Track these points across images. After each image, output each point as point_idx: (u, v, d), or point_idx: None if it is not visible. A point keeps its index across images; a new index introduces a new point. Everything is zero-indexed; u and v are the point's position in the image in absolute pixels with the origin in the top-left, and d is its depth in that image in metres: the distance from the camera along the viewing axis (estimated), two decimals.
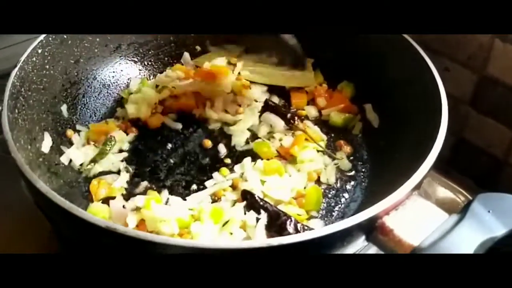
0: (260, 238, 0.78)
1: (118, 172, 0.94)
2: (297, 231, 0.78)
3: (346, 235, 0.65)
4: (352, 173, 0.95)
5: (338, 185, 0.93)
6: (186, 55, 1.18)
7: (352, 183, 0.93)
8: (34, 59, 0.91)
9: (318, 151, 0.97)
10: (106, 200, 0.87)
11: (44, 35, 0.93)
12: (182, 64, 1.17)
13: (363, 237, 0.68)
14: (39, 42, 0.92)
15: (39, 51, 0.92)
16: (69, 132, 0.97)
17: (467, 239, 0.63)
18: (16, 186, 0.96)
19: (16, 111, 0.83)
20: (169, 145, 1.00)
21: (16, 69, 0.86)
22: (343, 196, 0.91)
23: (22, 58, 0.88)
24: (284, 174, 0.91)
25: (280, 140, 0.99)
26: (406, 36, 0.96)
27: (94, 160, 0.94)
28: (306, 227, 0.79)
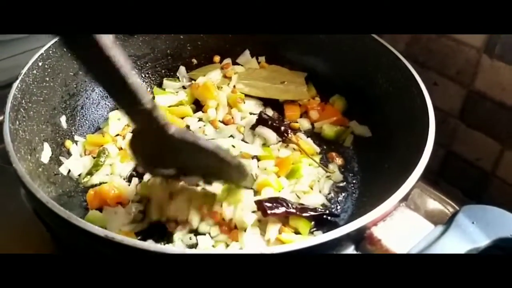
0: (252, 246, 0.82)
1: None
2: None
3: (335, 245, 0.67)
4: (343, 184, 0.98)
5: (330, 196, 0.95)
6: (182, 68, 1.21)
7: (343, 194, 0.96)
8: (34, 71, 0.93)
9: (309, 164, 0.99)
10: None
11: (44, 49, 0.95)
12: (178, 77, 1.20)
13: (353, 247, 0.71)
14: (39, 55, 0.94)
15: (40, 63, 0.94)
16: (68, 143, 0.99)
17: (451, 249, 0.65)
18: (16, 195, 0.99)
19: (17, 122, 0.85)
20: None
21: (18, 81, 0.88)
22: (335, 207, 0.93)
23: (23, 71, 0.90)
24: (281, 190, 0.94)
25: (279, 150, 1.02)
26: (395, 51, 0.99)
27: (90, 173, 0.96)
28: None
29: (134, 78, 0.68)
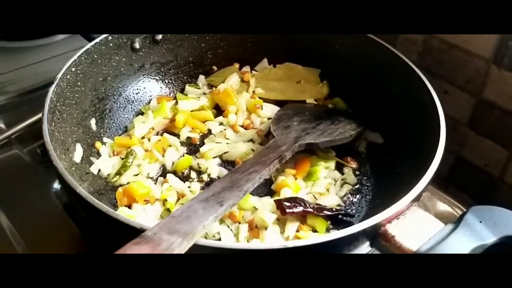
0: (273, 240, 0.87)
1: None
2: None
3: (352, 240, 0.72)
4: (358, 186, 1.02)
5: (345, 197, 1.00)
6: (201, 77, 1.27)
7: (358, 196, 1.01)
8: (68, 76, 0.99)
9: (326, 167, 1.04)
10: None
11: (77, 55, 1.02)
12: (198, 85, 1.26)
13: (368, 243, 0.76)
14: (73, 61, 1.00)
15: (73, 69, 1.00)
16: (97, 144, 1.05)
17: (460, 245, 0.70)
18: (46, 194, 1.04)
19: (53, 124, 0.91)
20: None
21: (53, 85, 0.94)
22: (349, 207, 0.98)
23: (59, 76, 0.96)
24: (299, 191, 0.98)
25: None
26: (408, 61, 1.03)
27: (119, 173, 1.01)
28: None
29: None
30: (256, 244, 0.85)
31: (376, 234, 0.74)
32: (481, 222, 0.73)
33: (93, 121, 1.06)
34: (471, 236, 0.71)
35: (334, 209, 0.94)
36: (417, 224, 0.75)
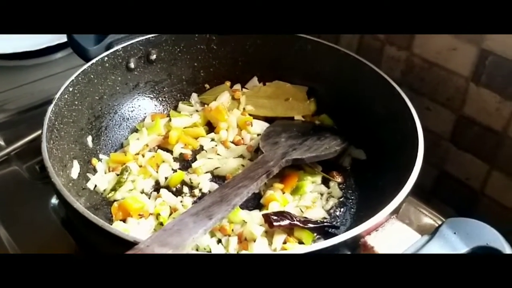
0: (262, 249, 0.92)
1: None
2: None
3: (333, 251, 0.76)
4: (343, 200, 1.06)
5: (331, 210, 1.04)
6: (194, 95, 1.32)
7: (343, 209, 1.05)
8: (66, 96, 1.03)
9: (313, 182, 1.09)
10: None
11: (74, 76, 1.06)
12: (191, 102, 1.30)
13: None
14: (70, 81, 1.04)
15: (70, 89, 1.04)
16: (94, 161, 1.09)
17: None
18: (43, 209, 1.08)
19: (52, 142, 0.95)
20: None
21: (52, 105, 0.98)
22: (335, 220, 1.03)
23: (57, 95, 1.00)
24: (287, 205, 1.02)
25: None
26: (390, 80, 1.08)
27: (114, 188, 1.05)
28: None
29: None
30: (249, 253, 0.89)
31: (356, 245, 0.78)
32: (455, 233, 0.77)
33: (89, 139, 1.10)
34: (444, 246, 0.75)
35: (319, 221, 0.98)
36: (395, 236, 0.80)
